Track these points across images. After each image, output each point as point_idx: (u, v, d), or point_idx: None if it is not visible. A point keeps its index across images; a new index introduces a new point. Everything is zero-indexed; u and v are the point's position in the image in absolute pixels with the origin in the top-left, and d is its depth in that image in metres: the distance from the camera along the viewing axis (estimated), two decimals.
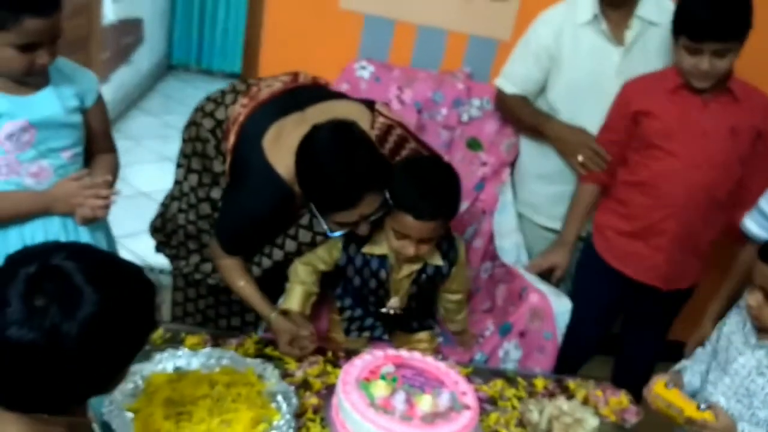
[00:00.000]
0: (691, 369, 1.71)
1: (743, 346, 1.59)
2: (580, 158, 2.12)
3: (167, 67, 5.64)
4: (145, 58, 5.04)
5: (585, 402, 1.67)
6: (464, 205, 2.39)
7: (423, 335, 2.07)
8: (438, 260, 1.88)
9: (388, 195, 1.71)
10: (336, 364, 1.69)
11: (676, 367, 1.70)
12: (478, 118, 2.42)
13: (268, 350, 1.71)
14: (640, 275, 2.07)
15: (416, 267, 1.86)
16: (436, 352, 2.01)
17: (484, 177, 2.40)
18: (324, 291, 1.98)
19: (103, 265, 1.01)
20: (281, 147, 1.73)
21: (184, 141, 1.98)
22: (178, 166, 2.00)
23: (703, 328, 1.83)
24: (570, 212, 2.18)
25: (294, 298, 1.86)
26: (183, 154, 1.99)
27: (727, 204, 1.99)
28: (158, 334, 1.69)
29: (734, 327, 1.64)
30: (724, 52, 1.81)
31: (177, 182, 2.01)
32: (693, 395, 1.62)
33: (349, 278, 1.91)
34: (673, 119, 1.94)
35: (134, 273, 1.04)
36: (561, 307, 2.03)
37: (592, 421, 1.56)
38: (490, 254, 2.35)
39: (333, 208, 1.67)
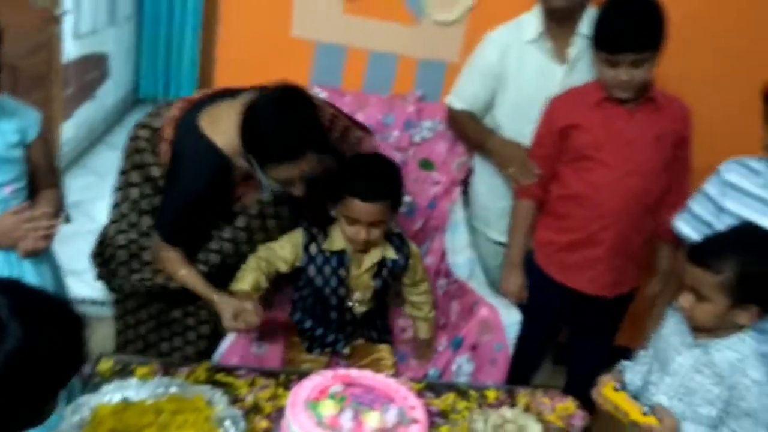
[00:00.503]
0: (632, 369, 1.74)
1: (681, 346, 1.62)
2: (509, 171, 2.18)
3: (134, 101, 5.66)
4: (110, 93, 5.06)
5: (527, 409, 1.70)
6: (418, 224, 2.44)
7: (384, 349, 2.11)
8: (393, 254, 2.02)
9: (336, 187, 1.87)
10: (287, 387, 1.70)
11: (617, 367, 1.73)
12: (429, 139, 2.47)
13: (220, 376, 1.72)
14: (584, 286, 2.11)
15: (375, 259, 1.98)
16: (395, 367, 2.06)
17: (436, 196, 2.45)
18: (280, 312, 2.02)
19: (29, 299, 1.02)
20: (218, 123, 1.85)
21: (123, 160, 2.03)
22: (117, 189, 2.04)
23: (648, 333, 1.85)
24: (511, 232, 2.21)
25: (241, 282, 1.91)
26: (121, 173, 2.03)
27: (655, 208, 2.06)
28: (107, 366, 1.70)
29: (672, 328, 1.68)
30: (640, 62, 1.87)
31: (116, 205, 2.04)
32: (635, 395, 1.65)
33: (311, 279, 1.99)
34: (600, 131, 1.99)
35: (62, 308, 1.06)
36: (510, 318, 2.06)
37: (535, 428, 1.59)
38: (443, 271, 2.38)
39: (276, 158, 1.73)
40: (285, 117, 1.72)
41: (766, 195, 1.71)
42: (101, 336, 2.33)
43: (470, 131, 2.35)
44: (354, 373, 1.62)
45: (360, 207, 1.87)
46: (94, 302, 2.77)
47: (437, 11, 2.51)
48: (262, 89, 1.83)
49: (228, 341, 1.96)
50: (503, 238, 2.34)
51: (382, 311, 2.18)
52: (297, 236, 1.99)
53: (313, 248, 1.98)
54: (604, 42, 1.90)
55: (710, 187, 1.84)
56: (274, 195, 1.94)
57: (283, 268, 1.97)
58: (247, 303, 1.82)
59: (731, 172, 1.80)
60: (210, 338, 2.09)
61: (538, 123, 2.12)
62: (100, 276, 2.14)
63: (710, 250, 1.54)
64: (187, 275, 1.90)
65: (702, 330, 1.58)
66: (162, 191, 1.95)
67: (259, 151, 1.76)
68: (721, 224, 1.73)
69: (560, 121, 2.04)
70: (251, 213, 1.97)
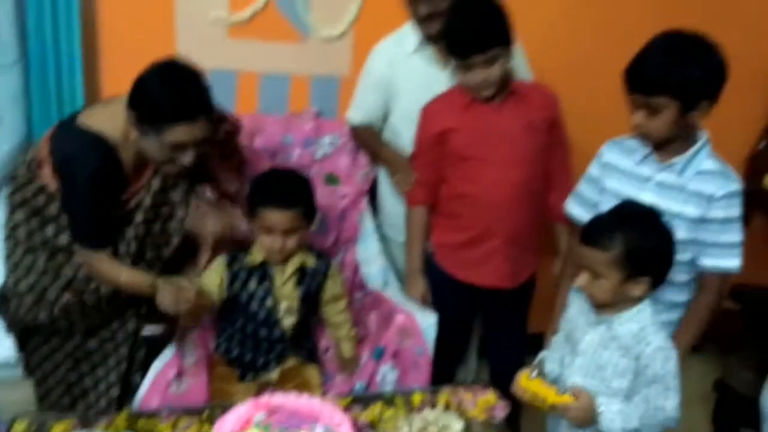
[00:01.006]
0: (550, 357, 1.81)
1: (586, 325, 1.70)
2: (394, 180, 2.29)
3: (28, 147, 5.43)
4: (3, 140, 4.84)
5: (449, 407, 1.73)
6: (330, 239, 2.45)
7: (311, 370, 2.11)
8: (312, 261, 2.06)
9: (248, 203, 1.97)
10: (211, 422, 1.67)
11: (537, 359, 1.80)
12: (331, 154, 2.49)
13: (140, 423, 1.68)
14: (486, 280, 2.17)
15: (295, 266, 2.02)
16: (322, 387, 2.06)
17: (344, 209, 2.47)
18: (203, 348, 1.99)
19: None
20: (100, 113, 1.90)
21: (7, 202, 1.99)
22: (5, 240, 2.00)
23: (556, 316, 1.93)
24: (407, 240, 2.25)
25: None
26: (7, 218, 1.99)
27: (541, 192, 2.16)
28: (22, 427, 1.63)
29: (577, 309, 1.76)
30: (492, 60, 1.93)
31: (7, 257, 2.00)
32: (556, 382, 1.71)
33: (237, 296, 2.02)
34: (474, 130, 2.06)
35: None
36: (427, 321, 2.10)
37: (457, 425, 1.62)
38: (358, 284, 2.41)
39: (171, 116, 1.77)
40: (177, 78, 1.80)
41: (640, 171, 1.80)
42: (20, 398, 2.25)
43: (368, 143, 2.42)
44: (276, 398, 1.62)
45: (274, 216, 1.93)
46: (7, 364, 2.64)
47: (322, 27, 2.53)
48: None
49: (146, 384, 1.92)
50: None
51: (308, 330, 2.18)
52: (219, 261, 2.03)
53: (235, 266, 2.02)
54: (453, 49, 1.97)
55: (593, 168, 1.93)
56: (163, 181, 1.97)
57: (215, 296, 2.00)
58: (183, 281, 1.87)
59: (609, 153, 1.89)
60: (129, 358, 2.09)
61: (416, 133, 2.18)
62: (10, 325, 2.08)
63: (598, 230, 1.62)
64: (128, 275, 1.93)
65: (602, 306, 1.65)
66: (60, 210, 1.93)
67: (152, 112, 1.79)
68: (606, 203, 1.80)
69: (435, 128, 2.10)
70: (146, 206, 1.97)
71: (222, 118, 2.05)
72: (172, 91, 1.78)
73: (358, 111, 2.39)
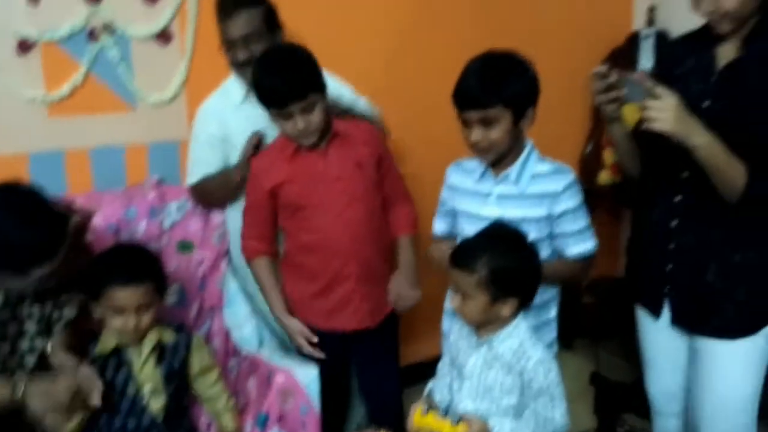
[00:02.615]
0: (438, 386, 1.81)
1: (469, 348, 1.72)
2: None
3: None
4: None
5: None
6: (193, 310, 2.33)
7: None
8: (170, 336, 1.96)
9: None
10: None
11: (425, 391, 1.79)
12: (180, 220, 2.38)
13: None
14: (348, 325, 2.15)
15: (153, 342, 1.91)
16: None
17: (203, 275, 2.36)
18: None
19: None
20: None
21: None
22: None
23: None
24: (262, 292, 2.20)
25: None
26: None
27: (382, 225, 2.18)
28: None
29: (458, 334, 1.77)
30: (310, 107, 1.94)
31: None
32: (448, 410, 1.71)
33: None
34: (306, 179, 2.06)
35: None
36: (308, 377, 2.03)
37: None
38: (231, 351, 2.30)
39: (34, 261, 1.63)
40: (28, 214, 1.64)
41: (480, 188, 1.88)
42: None
43: (215, 187, 2.31)
44: None
45: (123, 294, 1.83)
46: None
47: (149, 94, 2.44)
48: None
49: None
50: None
51: (182, 410, 2.04)
52: None
53: (85, 360, 1.86)
54: (269, 100, 1.96)
55: (444, 192, 2.00)
56: (5, 295, 1.80)
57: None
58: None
59: (452, 175, 1.97)
60: None
61: (246, 189, 2.15)
62: None
63: (465, 253, 1.66)
64: None
65: (476, 327, 1.68)
66: None
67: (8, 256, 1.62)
68: (464, 224, 1.89)
69: (266, 185, 2.08)
70: None
71: (67, 213, 1.87)
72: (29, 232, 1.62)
73: (196, 171, 2.32)
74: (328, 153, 2.06)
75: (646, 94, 1.61)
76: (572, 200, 1.83)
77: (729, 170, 1.64)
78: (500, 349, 1.66)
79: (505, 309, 1.64)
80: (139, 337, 1.90)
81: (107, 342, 1.89)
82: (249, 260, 2.18)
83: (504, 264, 1.61)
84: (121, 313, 1.84)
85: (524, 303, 1.68)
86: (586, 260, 1.90)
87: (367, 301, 2.14)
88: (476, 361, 1.69)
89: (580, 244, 1.85)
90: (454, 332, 1.79)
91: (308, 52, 1.98)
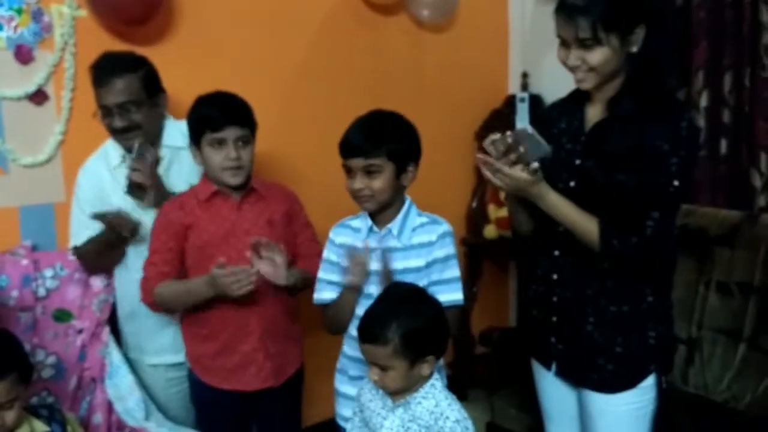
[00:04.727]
0: None
1: (384, 410, 1.68)
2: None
3: None
4: None
5: None
6: (72, 383, 2.18)
7: None
8: (42, 427, 1.80)
9: None
10: None
11: None
12: (56, 288, 2.25)
13: None
14: (250, 385, 2.08)
15: None
16: None
17: (83, 344, 2.23)
18: None
19: None
20: None
21: None
22: None
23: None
24: (187, 297, 2.04)
25: None
26: None
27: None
28: None
29: (370, 395, 1.73)
30: (243, 140, 2.00)
31: None
32: None
33: None
34: (216, 227, 2.05)
35: None
36: None
37: None
38: (117, 424, 2.15)
39: None
40: None
41: (369, 245, 1.86)
42: None
43: (99, 244, 2.18)
44: None
45: None
46: None
47: (23, 156, 2.32)
48: None
49: None
50: (159, 359, 2.25)
51: None
52: None
53: None
54: (203, 125, 2.00)
55: (328, 252, 1.95)
56: None
57: None
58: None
59: (339, 236, 1.94)
60: None
61: (152, 235, 2.08)
62: None
63: (372, 326, 1.62)
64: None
65: (399, 393, 1.65)
66: None
67: None
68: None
69: (179, 220, 2.05)
70: None
71: None
72: None
73: (81, 232, 2.20)
74: (242, 207, 2.07)
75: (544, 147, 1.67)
76: (443, 249, 1.86)
77: (578, 226, 1.71)
78: (417, 410, 1.63)
79: (425, 368, 1.63)
80: None
81: None
82: (153, 288, 2.02)
83: (414, 325, 1.59)
84: None
85: (440, 356, 1.67)
86: (453, 310, 1.86)
87: (270, 359, 2.08)
88: (392, 423, 1.65)
89: (450, 294, 1.85)
90: (365, 393, 1.75)
91: (241, 98, 2.06)
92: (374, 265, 1.82)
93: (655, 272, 1.78)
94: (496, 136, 1.70)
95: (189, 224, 2.04)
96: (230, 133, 1.98)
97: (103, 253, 2.22)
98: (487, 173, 1.71)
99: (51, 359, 2.20)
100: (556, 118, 1.89)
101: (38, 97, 2.34)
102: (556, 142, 1.81)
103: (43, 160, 2.36)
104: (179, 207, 2.07)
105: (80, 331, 2.24)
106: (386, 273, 1.79)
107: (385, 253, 1.81)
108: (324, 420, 2.43)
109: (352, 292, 1.85)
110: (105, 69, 2.10)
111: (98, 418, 2.18)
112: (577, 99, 1.84)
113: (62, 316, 2.24)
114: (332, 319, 1.92)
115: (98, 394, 2.20)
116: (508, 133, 1.67)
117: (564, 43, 1.73)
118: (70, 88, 2.38)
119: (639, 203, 1.67)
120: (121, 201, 2.16)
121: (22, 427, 1.74)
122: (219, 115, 1.99)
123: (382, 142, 1.79)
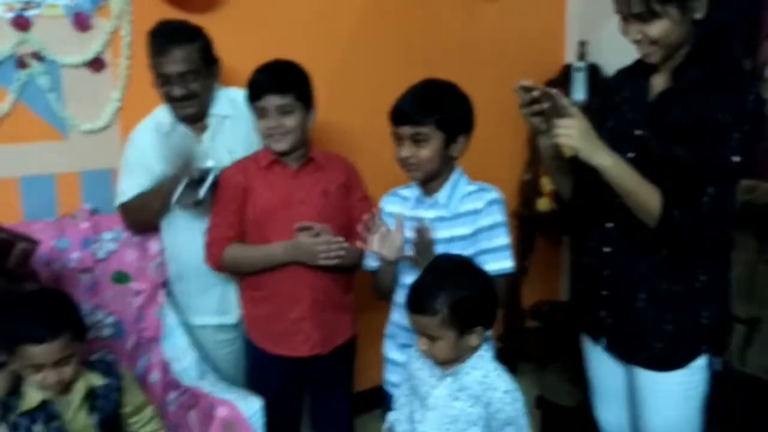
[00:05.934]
0: (397, 418, 1.78)
1: (432, 379, 1.69)
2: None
3: None
4: None
5: None
6: (130, 342, 2.26)
7: None
8: (99, 380, 1.85)
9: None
10: None
11: (386, 425, 1.75)
12: (115, 250, 2.30)
13: None
14: (297, 351, 2.11)
15: (81, 393, 1.80)
16: None
17: (140, 307, 2.29)
18: None
19: None
20: None
21: None
22: None
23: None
24: (258, 262, 2.09)
25: None
26: None
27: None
28: None
29: (419, 364, 1.74)
30: (287, 109, 2.00)
31: None
32: None
33: None
34: (272, 194, 2.07)
35: None
36: (251, 408, 1.95)
37: None
38: (172, 384, 2.21)
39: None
40: None
41: (416, 214, 1.89)
42: None
43: (147, 201, 2.21)
44: None
45: (38, 351, 1.70)
46: None
47: (83, 122, 2.37)
48: None
49: None
50: (205, 320, 2.30)
51: None
52: None
53: (11, 416, 1.74)
54: (248, 95, 2.03)
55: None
56: None
57: None
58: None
59: (389, 204, 1.97)
60: None
61: (217, 198, 2.11)
62: None
63: (420, 297, 1.63)
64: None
65: (448, 363, 1.66)
66: None
67: None
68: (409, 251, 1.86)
69: (241, 182, 2.08)
70: None
71: (13, 240, 1.82)
72: None
73: (126, 191, 2.25)
74: (299, 176, 2.09)
75: (560, 112, 1.64)
76: (490, 217, 1.84)
77: (640, 194, 1.63)
78: (466, 380, 1.64)
79: (473, 339, 1.63)
80: (65, 388, 1.79)
81: (32, 397, 1.76)
82: (219, 251, 2.09)
83: (462, 296, 1.60)
84: (40, 370, 1.72)
85: (488, 327, 1.67)
86: (502, 279, 1.85)
87: (318, 328, 2.10)
88: (441, 392, 1.66)
89: (498, 262, 1.83)
90: (415, 362, 1.76)
91: (304, 71, 2.06)
92: (408, 233, 1.81)
93: (710, 250, 1.72)
94: (527, 82, 1.69)
95: (249, 188, 2.07)
96: (269, 101, 1.99)
97: (147, 207, 2.24)
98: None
99: (110, 319, 2.26)
100: (619, 86, 1.84)
101: (96, 64, 2.38)
102: (618, 111, 1.77)
103: (101, 126, 2.41)
104: (241, 170, 2.10)
105: (138, 293, 2.30)
106: (420, 243, 1.78)
107: (421, 223, 1.79)
108: (373, 386, 2.45)
109: (388, 264, 1.85)
110: (164, 38, 2.12)
111: (155, 376, 2.24)
112: (643, 67, 1.78)
113: (121, 278, 2.30)
114: (375, 286, 1.97)
115: (155, 354, 2.26)
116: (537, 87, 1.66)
117: (624, 18, 1.68)
118: (126, 55, 2.41)
119: (696, 178, 1.61)
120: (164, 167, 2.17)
121: (80, 380, 1.81)
122: (258, 83, 2.01)
123: (432, 111, 1.78)
